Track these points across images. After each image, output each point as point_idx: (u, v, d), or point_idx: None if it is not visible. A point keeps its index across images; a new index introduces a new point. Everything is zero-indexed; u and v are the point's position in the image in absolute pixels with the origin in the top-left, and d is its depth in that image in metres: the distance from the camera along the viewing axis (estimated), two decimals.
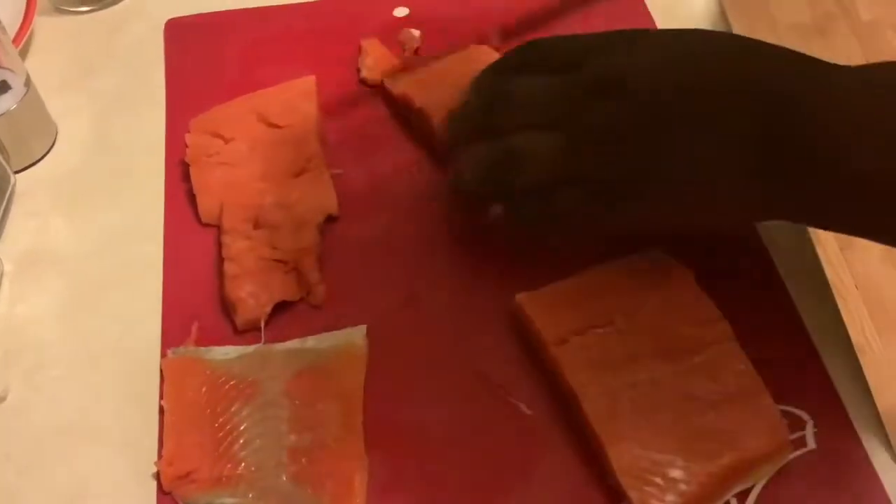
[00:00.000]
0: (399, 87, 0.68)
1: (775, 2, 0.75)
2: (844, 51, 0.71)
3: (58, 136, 0.69)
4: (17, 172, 0.66)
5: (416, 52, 0.72)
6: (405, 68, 0.70)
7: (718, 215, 0.51)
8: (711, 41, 0.52)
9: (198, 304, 0.59)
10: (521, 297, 0.55)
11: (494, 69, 0.57)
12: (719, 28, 0.73)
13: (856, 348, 0.53)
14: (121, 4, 0.79)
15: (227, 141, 0.65)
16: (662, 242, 0.55)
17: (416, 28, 0.73)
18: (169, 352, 0.56)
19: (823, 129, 0.46)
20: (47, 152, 0.69)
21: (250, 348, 0.56)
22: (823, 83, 0.48)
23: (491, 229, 0.56)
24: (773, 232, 0.59)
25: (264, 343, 0.56)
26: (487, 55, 0.67)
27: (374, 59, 0.71)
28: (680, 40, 0.52)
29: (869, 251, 0.58)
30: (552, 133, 0.52)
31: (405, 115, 0.68)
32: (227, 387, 0.54)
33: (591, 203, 0.51)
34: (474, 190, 0.56)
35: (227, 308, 0.58)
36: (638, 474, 0.48)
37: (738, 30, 0.72)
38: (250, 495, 0.50)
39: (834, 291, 0.56)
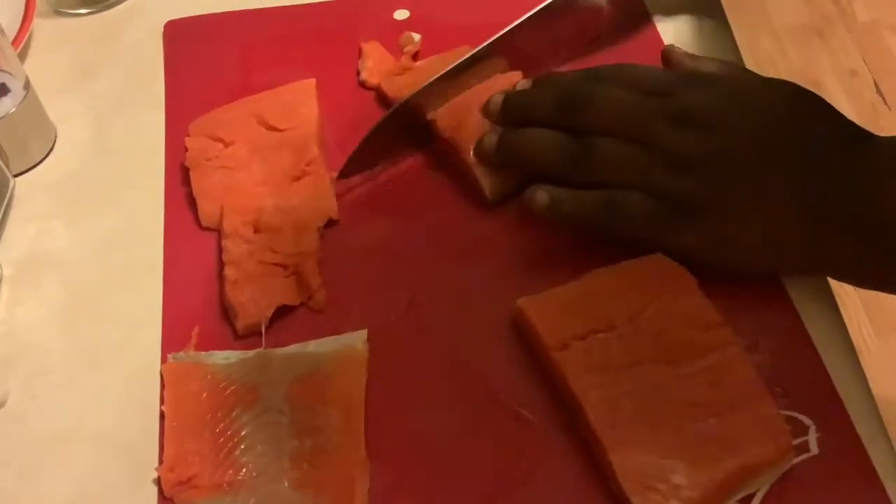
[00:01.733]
0: (395, 89, 0.68)
1: (773, 3, 0.75)
2: (842, 51, 0.72)
3: (57, 140, 0.69)
4: (16, 176, 0.66)
5: (415, 55, 0.71)
6: (403, 71, 0.69)
7: (764, 255, 0.54)
8: (792, 98, 0.55)
9: (198, 309, 0.58)
10: (522, 302, 0.55)
11: (576, 74, 0.60)
12: (718, 29, 0.73)
13: (857, 350, 0.53)
14: (120, 6, 0.79)
15: (226, 144, 0.65)
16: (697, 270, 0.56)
17: (416, 31, 0.73)
18: (169, 357, 0.56)
19: (871, 197, 0.50)
20: (46, 155, 0.68)
21: (251, 353, 0.56)
22: (876, 156, 0.52)
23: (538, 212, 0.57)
24: None
25: (265, 348, 0.56)
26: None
27: (374, 62, 0.71)
28: (764, 92, 0.56)
29: None
30: (631, 145, 0.56)
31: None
32: (227, 392, 0.54)
33: (655, 212, 0.55)
34: (542, 168, 0.59)
35: (227, 313, 0.58)
36: (641, 480, 0.48)
37: (736, 31, 0.72)
38: (251, 501, 0.50)
39: (834, 294, 0.56)
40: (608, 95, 0.57)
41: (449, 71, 0.63)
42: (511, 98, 0.60)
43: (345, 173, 0.63)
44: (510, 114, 0.60)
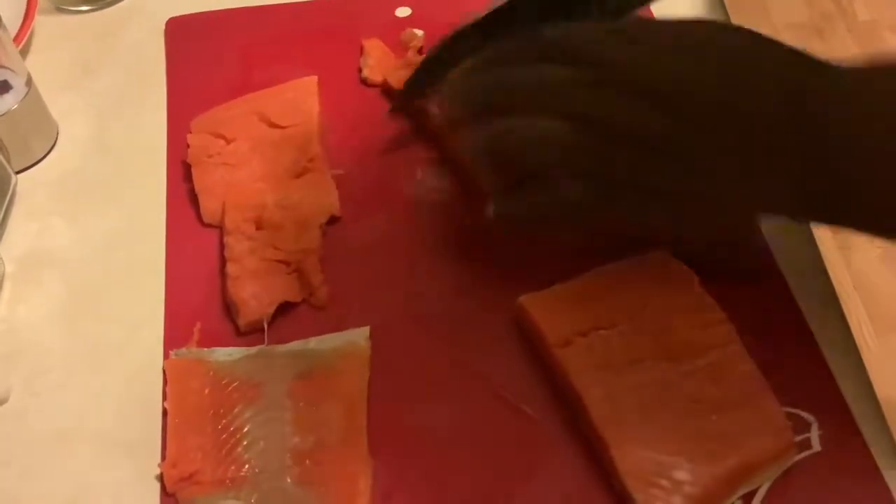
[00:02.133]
0: (401, 83, 0.67)
1: (774, 1, 0.75)
2: (842, 51, 0.72)
3: (59, 137, 0.69)
4: (18, 173, 0.66)
5: (419, 52, 0.71)
6: (409, 66, 0.69)
7: (725, 209, 0.51)
8: (723, 36, 0.52)
9: (200, 306, 0.58)
10: (524, 299, 0.55)
11: (500, 51, 0.56)
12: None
13: (858, 348, 0.53)
14: (121, 4, 0.79)
15: (228, 141, 0.65)
16: (661, 243, 0.55)
17: (418, 28, 0.73)
18: (172, 353, 0.56)
19: (833, 121, 0.46)
20: (48, 152, 0.68)
21: (253, 350, 0.56)
22: (832, 80, 0.48)
23: (491, 225, 0.56)
24: (776, 233, 0.59)
25: (267, 344, 0.56)
26: None
27: (376, 60, 0.71)
28: (694, 36, 0.51)
29: (868, 252, 0.58)
30: (562, 123, 0.51)
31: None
32: (230, 388, 0.54)
33: (595, 198, 0.51)
34: (476, 166, 0.56)
35: (229, 309, 0.58)
36: (643, 476, 0.48)
37: None
38: (254, 497, 0.50)
39: (835, 291, 0.56)
40: (532, 77, 0.52)
41: None
42: (451, 99, 0.58)
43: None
44: (455, 113, 0.57)
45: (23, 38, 0.73)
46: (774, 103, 0.48)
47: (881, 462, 0.50)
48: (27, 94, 0.65)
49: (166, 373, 0.55)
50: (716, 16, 0.74)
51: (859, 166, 0.46)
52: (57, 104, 0.69)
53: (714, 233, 0.54)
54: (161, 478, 0.51)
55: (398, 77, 0.68)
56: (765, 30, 0.71)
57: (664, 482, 0.47)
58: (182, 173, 0.65)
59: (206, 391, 0.54)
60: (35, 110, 0.67)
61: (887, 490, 0.49)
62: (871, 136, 0.46)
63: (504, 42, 0.55)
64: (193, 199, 0.63)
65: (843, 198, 0.47)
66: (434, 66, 0.61)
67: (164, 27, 0.76)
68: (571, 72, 0.51)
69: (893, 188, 0.46)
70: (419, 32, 0.72)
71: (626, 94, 0.50)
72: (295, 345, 0.56)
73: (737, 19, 0.73)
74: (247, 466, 0.51)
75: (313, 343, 0.56)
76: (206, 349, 0.56)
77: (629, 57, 0.50)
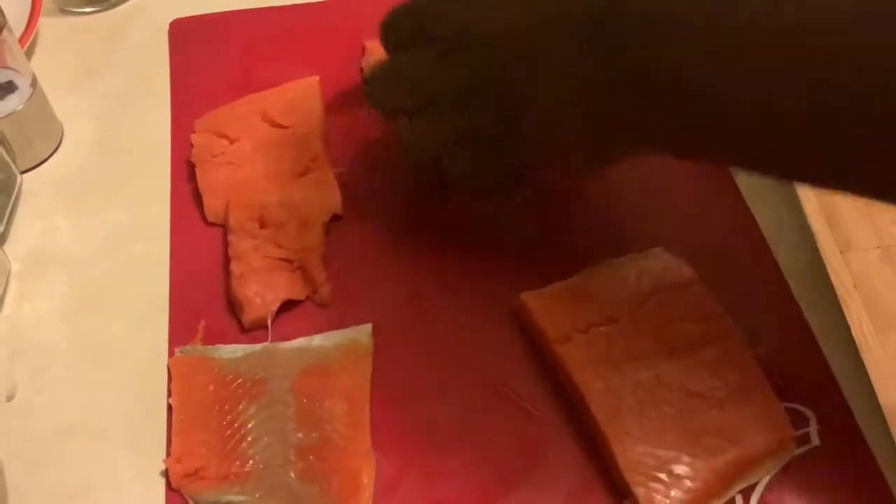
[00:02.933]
0: None
1: None
2: None
3: (63, 137, 0.70)
4: (23, 173, 0.67)
5: None
6: None
7: (586, 136, 0.51)
8: None
9: (204, 303, 0.59)
10: (525, 296, 0.55)
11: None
12: None
13: (857, 346, 0.54)
14: (125, 5, 0.80)
15: (231, 141, 0.66)
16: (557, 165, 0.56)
17: None
18: (176, 350, 0.56)
19: (654, 42, 0.46)
20: (53, 152, 0.69)
21: (257, 347, 0.56)
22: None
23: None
24: (776, 230, 0.59)
25: (271, 341, 0.56)
26: None
27: (378, 60, 0.71)
28: None
29: (867, 251, 0.58)
30: (419, 116, 0.55)
31: None
32: (234, 385, 0.54)
33: (478, 158, 0.54)
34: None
35: (233, 307, 0.58)
36: (643, 471, 0.48)
37: None
38: (258, 493, 0.50)
39: (834, 288, 0.56)
40: (378, 78, 0.57)
41: None
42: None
43: None
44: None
45: (27, 40, 0.73)
46: (599, 27, 0.48)
47: (880, 456, 0.50)
48: (32, 94, 0.66)
49: (171, 370, 0.55)
50: None
51: (679, 101, 0.46)
52: (61, 105, 0.70)
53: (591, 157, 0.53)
54: (166, 473, 0.52)
55: None
56: None
57: (664, 476, 0.48)
58: (186, 173, 0.66)
59: (211, 388, 0.54)
60: (40, 111, 0.67)
61: (886, 485, 0.49)
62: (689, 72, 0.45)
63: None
64: (197, 198, 0.64)
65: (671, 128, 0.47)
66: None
67: (167, 28, 0.76)
68: (414, 55, 0.54)
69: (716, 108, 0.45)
70: None
71: (449, 60, 0.52)
72: (298, 342, 0.56)
73: None
74: (251, 462, 0.51)
75: (316, 340, 0.56)
76: (210, 346, 0.56)
77: (464, 19, 0.52)
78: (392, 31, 0.57)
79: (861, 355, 0.53)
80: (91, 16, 0.79)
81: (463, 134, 0.54)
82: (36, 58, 0.75)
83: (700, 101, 0.45)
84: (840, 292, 0.56)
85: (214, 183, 0.64)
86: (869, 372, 0.53)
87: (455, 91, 0.53)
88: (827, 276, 0.57)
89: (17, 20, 0.74)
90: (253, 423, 0.53)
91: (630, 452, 0.49)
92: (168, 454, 0.52)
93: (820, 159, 0.44)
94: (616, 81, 0.47)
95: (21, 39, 0.72)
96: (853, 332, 0.54)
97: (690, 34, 0.44)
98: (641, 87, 0.47)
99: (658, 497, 0.47)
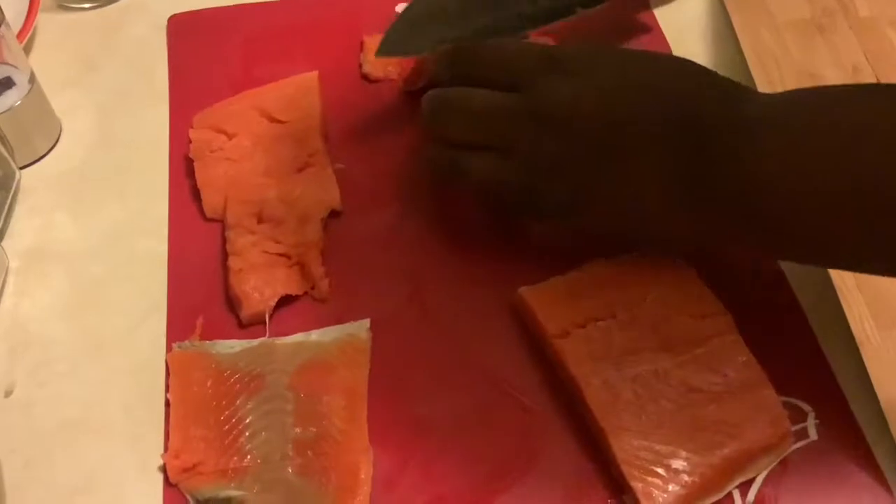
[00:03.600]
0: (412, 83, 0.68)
1: None
2: (843, 47, 0.72)
3: (62, 133, 0.70)
4: (21, 168, 0.66)
5: None
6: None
7: (652, 239, 0.54)
8: (652, 71, 0.54)
9: (202, 299, 0.59)
10: (523, 291, 0.55)
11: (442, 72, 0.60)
12: (718, 23, 0.73)
13: (857, 342, 0.54)
14: (124, 1, 0.79)
15: (230, 136, 0.66)
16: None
17: None
18: (174, 346, 0.56)
19: (739, 162, 0.48)
20: (51, 148, 0.69)
21: (255, 342, 0.56)
22: (745, 118, 0.49)
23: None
24: None
25: (269, 337, 0.56)
26: None
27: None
28: (619, 69, 0.54)
29: None
30: (496, 154, 0.55)
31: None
32: (232, 380, 0.54)
33: (537, 214, 0.56)
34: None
35: (231, 302, 0.58)
36: (641, 465, 0.48)
37: (737, 25, 0.72)
38: (256, 488, 0.50)
39: (834, 286, 0.56)
40: (462, 103, 0.57)
41: None
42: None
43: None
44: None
45: (26, 35, 0.73)
46: (690, 138, 0.49)
47: (877, 451, 0.50)
48: (30, 90, 0.66)
49: (169, 365, 0.55)
50: (717, 14, 0.74)
51: (749, 196, 0.48)
52: (60, 100, 0.70)
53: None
54: (164, 468, 0.52)
55: (404, 73, 0.69)
56: (766, 27, 0.71)
57: (662, 471, 0.48)
58: (184, 168, 0.66)
59: (209, 383, 0.54)
60: (38, 107, 0.67)
61: (884, 479, 0.49)
62: (760, 169, 0.47)
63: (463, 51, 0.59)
64: (196, 193, 0.64)
65: (734, 226, 0.49)
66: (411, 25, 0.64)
67: (166, 24, 0.76)
68: (507, 101, 0.55)
69: (782, 223, 0.47)
70: None
71: (556, 129, 0.52)
72: (296, 337, 0.56)
73: (738, 17, 0.73)
74: (249, 457, 0.51)
75: (315, 335, 0.56)
76: (208, 342, 0.56)
77: (568, 92, 0.52)
78: (487, 72, 0.57)
79: (861, 352, 0.53)
80: (89, 11, 0.79)
81: (527, 189, 0.54)
82: (34, 53, 0.75)
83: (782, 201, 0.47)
84: (841, 289, 0.56)
85: (213, 178, 0.64)
86: (868, 367, 0.53)
87: (535, 151, 0.53)
88: (826, 271, 0.57)
89: (15, 16, 0.74)
90: (251, 418, 0.53)
91: (628, 447, 0.49)
92: (166, 449, 0.52)
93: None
94: (690, 192, 0.49)
95: (19, 35, 0.72)
96: (853, 329, 0.54)
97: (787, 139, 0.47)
98: (723, 200, 0.48)
99: (656, 491, 0.47)
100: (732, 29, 0.72)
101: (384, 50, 0.63)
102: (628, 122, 0.51)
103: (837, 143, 0.45)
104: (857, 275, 0.57)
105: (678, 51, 0.72)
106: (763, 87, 0.67)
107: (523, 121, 0.53)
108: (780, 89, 0.67)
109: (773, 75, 0.69)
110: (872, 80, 0.69)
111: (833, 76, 0.69)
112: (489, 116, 0.55)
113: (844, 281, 0.57)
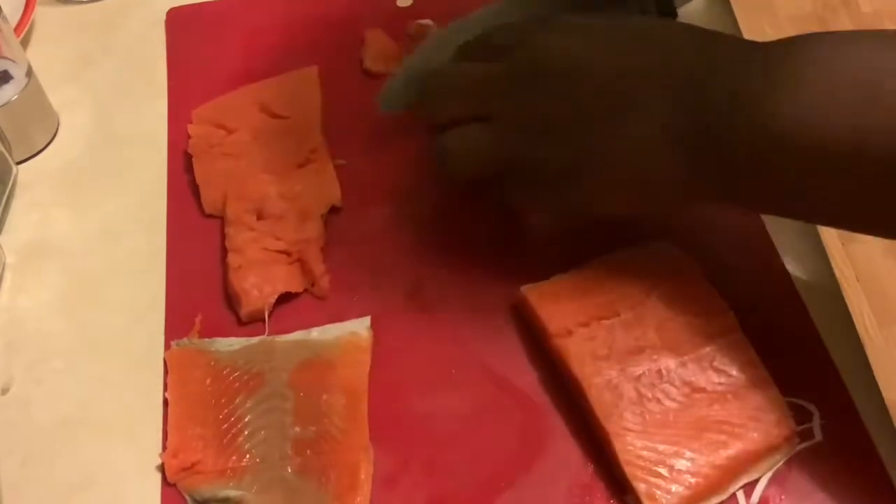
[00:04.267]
0: None
1: None
2: None
3: (59, 127, 0.69)
4: (19, 163, 0.66)
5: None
6: None
7: (650, 196, 0.52)
8: (634, 26, 0.53)
9: (201, 296, 0.58)
10: (525, 289, 0.55)
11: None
12: (722, 17, 0.73)
13: (861, 339, 0.53)
14: None
15: (229, 131, 0.65)
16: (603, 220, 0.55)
17: (419, 19, 0.72)
18: (173, 343, 0.56)
19: (739, 96, 0.46)
20: (49, 143, 0.68)
21: (254, 340, 0.56)
22: (740, 57, 0.48)
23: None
24: (778, 222, 0.59)
25: (268, 335, 0.56)
26: None
27: (377, 50, 0.71)
28: (603, 27, 0.53)
29: (870, 244, 0.58)
30: (482, 126, 0.53)
31: None
32: (231, 378, 0.54)
33: (530, 189, 0.53)
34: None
35: (230, 299, 0.58)
36: (644, 466, 0.48)
37: (740, 20, 0.72)
38: (255, 487, 0.50)
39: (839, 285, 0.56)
40: (450, 78, 0.55)
41: None
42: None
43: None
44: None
45: (23, 29, 0.73)
46: (685, 81, 0.48)
47: (883, 451, 0.50)
48: (28, 84, 0.65)
49: (167, 363, 0.55)
50: (720, 8, 0.73)
51: (757, 149, 0.46)
52: (58, 95, 0.69)
53: (647, 211, 0.54)
54: (162, 468, 0.51)
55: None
56: (769, 22, 0.71)
57: (665, 472, 0.47)
58: (183, 164, 0.65)
59: (207, 381, 0.54)
60: (36, 101, 0.67)
61: (889, 480, 0.49)
62: (773, 123, 0.45)
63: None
64: (194, 189, 0.63)
65: (762, 170, 0.47)
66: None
67: (164, 18, 0.76)
68: (494, 67, 0.53)
69: (791, 175, 0.46)
70: (429, 22, 0.72)
71: (546, 87, 0.51)
72: (296, 335, 0.56)
73: (741, 12, 0.72)
74: (248, 456, 0.51)
75: (314, 333, 0.56)
76: (207, 339, 0.56)
77: (554, 50, 0.51)
78: (477, 48, 0.56)
79: (864, 349, 0.53)
80: (87, 5, 0.78)
81: (517, 160, 0.53)
82: (32, 48, 0.75)
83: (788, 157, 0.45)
84: (843, 285, 0.56)
85: (212, 174, 0.63)
86: (872, 365, 0.52)
87: (524, 115, 0.51)
88: (831, 269, 0.57)
89: (12, 10, 0.73)
90: (250, 417, 0.52)
91: (631, 447, 0.48)
92: (164, 448, 0.52)
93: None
94: (696, 142, 0.48)
95: (17, 29, 0.72)
96: (856, 325, 0.54)
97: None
98: (725, 140, 0.47)
99: (659, 492, 0.47)
100: (735, 23, 0.71)
101: (386, 104, 0.63)
102: (630, 73, 0.50)
103: (849, 102, 0.44)
104: (858, 270, 0.56)
105: None
106: None
107: (511, 84, 0.52)
108: None
109: None
110: None
111: None
112: (473, 85, 0.54)
113: (846, 277, 0.56)
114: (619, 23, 0.53)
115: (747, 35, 0.70)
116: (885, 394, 0.51)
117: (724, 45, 0.50)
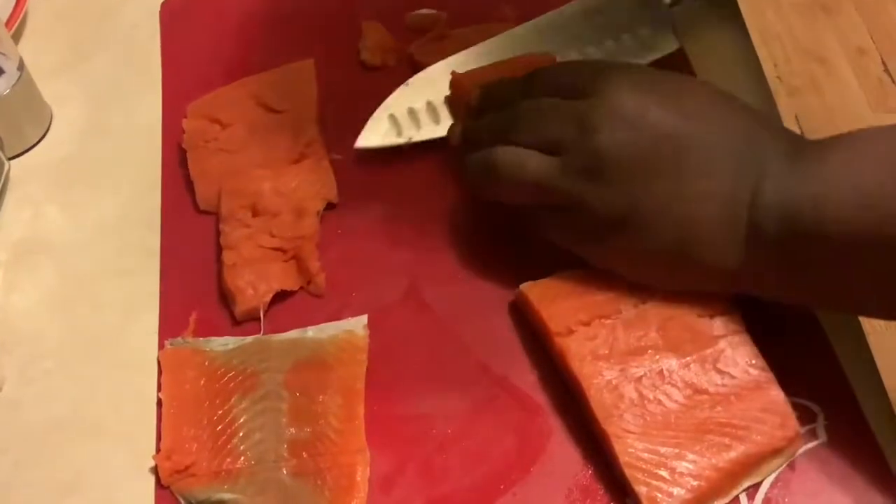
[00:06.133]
0: (426, 57, 0.67)
1: None
2: (848, 27, 0.71)
3: (52, 122, 0.69)
4: (10, 159, 0.65)
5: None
6: (440, 39, 0.69)
7: (688, 276, 0.51)
8: (706, 95, 0.52)
9: (196, 294, 0.58)
10: (525, 287, 0.54)
11: (499, 89, 0.58)
12: (725, 7, 0.72)
13: (865, 333, 0.52)
14: None
15: (224, 126, 0.64)
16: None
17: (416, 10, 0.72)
18: (167, 343, 0.55)
19: (801, 196, 0.46)
20: (42, 138, 0.68)
21: (249, 339, 0.55)
22: (802, 153, 0.48)
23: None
24: None
25: (264, 333, 0.55)
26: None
27: (375, 42, 0.70)
28: (682, 88, 0.52)
29: None
30: (544, 154, 0.52)
31: None
32: (225, 378, 0.53)
33: (566, 227, 0.53)
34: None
35: (225, 298, 0.57)
36: (645, 468, 0.47)
37: (742, 6, 0.71)
38: (249, 490, 0.49)
39: None
40: (526, 111, 0.54)
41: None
42: (466, 126, 0.59)
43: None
44: (468, 140, 0.58)
45: (15, 22, 0.72)
46: (753, 168, 0.48)
47: (888, 451, 0.49)
48: (19, 78, 0.64)
49: (161, 363, 0.54)
50: None
51: (803, 240, 0.46)
52: (50, 89, 0.69)
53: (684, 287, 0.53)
54: (156, 469, 0.51)
55: (425, 51, 0.68)
56: (771, 7, 0.70)
57: (666, 474, 0.47)
58: (178, 159, 0.64)
59: (202, 381, 0.53)
60: (28, 95, 0.66)
61: (894, 480, 0.48)
62: (819, 221, 0.46)
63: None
64: (189, 185, 0.63)
65: (819, 264, 0.47)
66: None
67: (159, 10, 0.75)
68: (568, 104, 0.52)
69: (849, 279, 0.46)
70: (429, 12, 0.71)
71: (598, 127, 0.50)
72: (292, 334, 0.55)
73: (744, 3, 0.71)
74: (242, 458, 0.50)
75: (311, 332, 0.55)
76: (201, 339, 0.55)
77: (630, 103, 0.50)
78: (541, 78, 0.56)
79: (869, 345, 0.52)
80: None
81: (569, 195, 0.51)
82: (24, 41, 0.74)
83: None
84: None
85: (207, 169, 0.63)
86: (877, 362, 0.52)
87: (591, 155, 0.50)
88: None
89: (4, 2, 0.72)
90: (245, 417, 0.52)
91: (631, 449, 0.47)
92: (158, 450, 0.51)
93: None
94: (754, 233, 0.48)
95: (8, 22, 0.71)
96: (861, 320, 0.53)
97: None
98: (784, 233, 0.47)
99: (660, 495, 0.46)
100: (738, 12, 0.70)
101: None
102: (696, 137, 0.49)
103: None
104: None
105: None
106: (768, 67, 0.65)
107: (583, 124, 0.51)
108: (784, 70, 0.66)
109: (777, 56, 0.68)
110: (877, 61, 0.68)
111: (838, 56, 0.69)
112: (548, 116, 0.53)
113: None
114: (690, 83, 0.53)
115: (749, 20, 0.69)
116: (889, 392, 0.51)
117: (775, 134, 0.50)
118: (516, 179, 0.53)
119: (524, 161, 0.52)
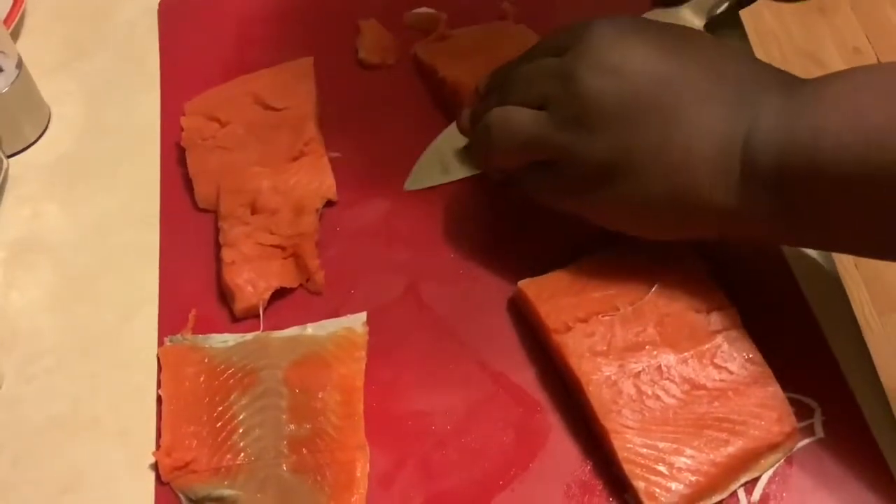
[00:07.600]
0: (431, 56, 0.67)
1: None
2: (844, 27, 0.71)
3: (51, 120, 0.69)
4: (9, 157, 0.65)
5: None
6: (442, 38, 0.69)
7: (684, 221, 0.50)
8: (695, 40, 0.52)
9: (195, 292, 0.58)
10: (523, 284, 0.54)
11: (503, 69, 0.58)
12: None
13: (860, 328, 0.53)
14: None
15: (223, 124, 0.65)
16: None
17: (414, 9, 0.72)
18: (166, 340, 0.55)
19: (798, 129, 0.46)
20: (40, 136, 0.68)
21: (249, 336, 0.55)
22: (798, 89, 0.47)
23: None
24: None
25: (263, 331, 0.55)
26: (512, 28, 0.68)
27: (372, 40, 0.70)
28: (668, 34, 0.52)
29: None
30: (533, 110, 0.52)
31: (433, 84, 0.67)
32: (225, 375, 0.53)
33: (559, 182, 0.53)
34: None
35: (224, 295, 0.57)
36: (643, 464, 0.47)
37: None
38: (249, 486, 0.49)
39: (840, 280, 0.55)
40: (518, 73, 0.55)
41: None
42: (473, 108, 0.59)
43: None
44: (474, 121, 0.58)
45: (13, 20, 0.72)
46: (742, 107, 0.48)
47: (885, 448, 0.49)
48: (18, 76, 0.64)
49: (161, 360, 0.54)
50: None
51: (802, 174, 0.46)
52: (49, 87, 0.69)
53: (671, 236, 0.53)
54: (155, 466, 0.51)
55: (428, 50, 0.68)
56: (768, 7, 0.70)
57: (664, 469, 0.47)
58: (176, 157, 0.64)
59: (202, 378, 0.53)
60: (26, 93, 0.66)
61: (891, 476, 0.48)
62: (818, 147, 0.45)
63: None
64: (188, 183, 0.63)
65: (817, 200, 0.46)
66: None
67: (157, 8, 0.75)
68: (556, 60, 0.52)
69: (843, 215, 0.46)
70: (427, 10, 0.71)
71: (583, 77, 0.50)
72: (291, 331, 0.55)
73: None
74: (242, 455, 0.50)
75: (310, 329, 0.55)
76: (201, 336, 0.55)
77: (617, 50, 0.50)
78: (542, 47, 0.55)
79: (864, 339, 0.52)
80: None
81: (560, 149, 0.51)
82: (22, 39, 0.74)
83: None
84: (842, 272, 0.55)
85: (205, 167, 0.63)
86: (873, 355, 0.52)
87: (578, 106, 0.50)
88: (829, 260, 0.56)
89: (2, 0, 0.72)
90: (244, 414, 0.52)
91: (630, 445, 0.48)
92: (158, 446, 0.51)
93: None
94: (750, 171, 0.47)
95: (7, 19, 0.71)
96: (855, 314, 0.53)
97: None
98: (780, 168, 0.46)
99: (658, 490, 0.46)
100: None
101: (414, 182, 0.63)
102: (684, 75, 0.49)
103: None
104: (857, 259, 0.55)
105: None
106: None
107: (569, 75, 0.50)
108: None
109: (774, 55, 0.68)
110: (873, 60, 0.68)
111: (834, 56, 0.69)
112: (534, 74, 0.53)
113: (844, 265, 0.56)
114: (677, 29, 0.53)
115: (746, 20, 0.69)
116: (885, 386, 0.51)
117: (771, 75, 0.49)
118: (507, 136, 0.53)
119: (512, 116, 0.52)
